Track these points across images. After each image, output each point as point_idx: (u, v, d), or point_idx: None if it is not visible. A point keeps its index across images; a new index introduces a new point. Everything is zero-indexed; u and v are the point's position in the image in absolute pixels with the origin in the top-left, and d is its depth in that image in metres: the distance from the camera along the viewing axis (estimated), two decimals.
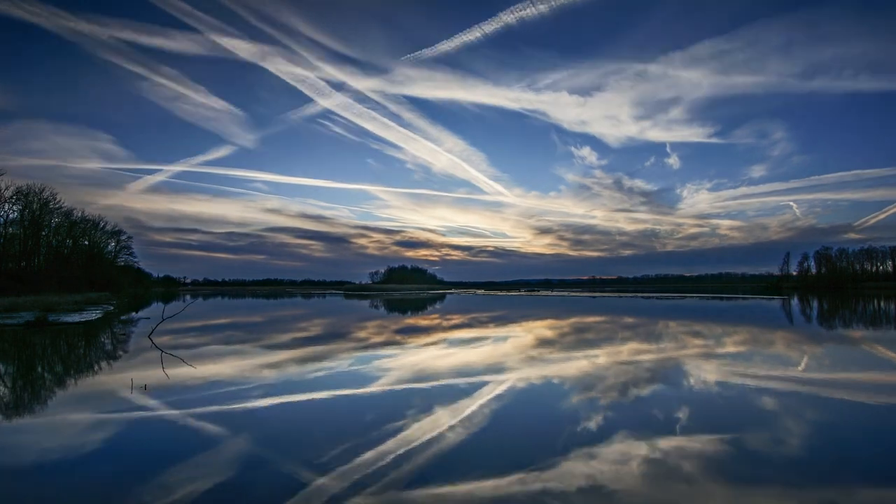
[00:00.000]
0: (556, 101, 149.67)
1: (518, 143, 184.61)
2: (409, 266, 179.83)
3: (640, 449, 4.44)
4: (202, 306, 36.81)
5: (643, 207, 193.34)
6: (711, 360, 9.35)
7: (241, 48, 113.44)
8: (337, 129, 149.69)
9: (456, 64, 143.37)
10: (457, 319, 21.85)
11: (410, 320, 22.04)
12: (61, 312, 23.22)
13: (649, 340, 12.67)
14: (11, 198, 44.11)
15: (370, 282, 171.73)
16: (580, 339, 13.15)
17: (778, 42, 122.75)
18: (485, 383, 7.42)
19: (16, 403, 6.69)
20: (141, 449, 4.66)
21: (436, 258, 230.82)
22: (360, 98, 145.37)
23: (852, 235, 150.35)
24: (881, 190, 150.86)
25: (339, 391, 6.96)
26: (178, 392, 6.93)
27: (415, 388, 7.14)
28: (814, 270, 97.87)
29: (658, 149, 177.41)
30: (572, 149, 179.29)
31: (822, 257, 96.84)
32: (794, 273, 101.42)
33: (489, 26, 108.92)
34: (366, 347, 11.65)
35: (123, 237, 67.04)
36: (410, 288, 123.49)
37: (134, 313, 27.60)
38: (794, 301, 37.98)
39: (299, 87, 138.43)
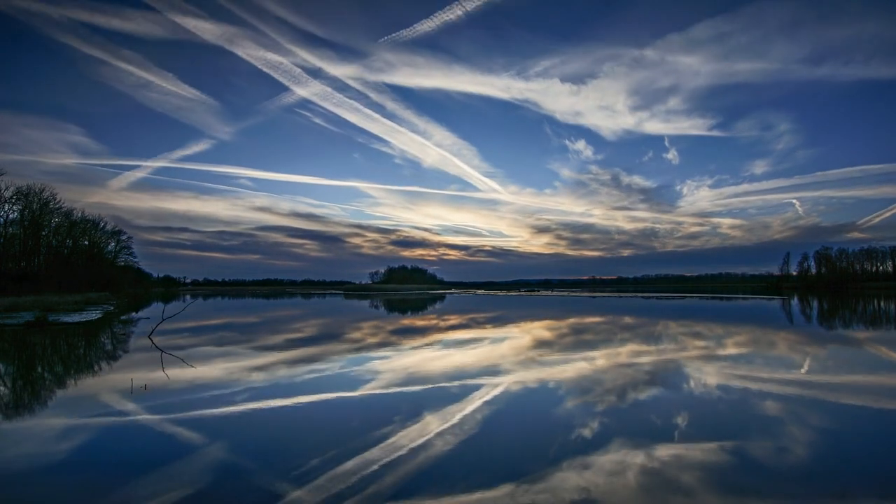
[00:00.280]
0: (547, 89, 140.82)
1: (510, 135, 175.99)
2: (408, 266, 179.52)
3: (638, 458, 4.26)
4: (202, 306, 36.76)
5: (642, 205, 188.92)
6: (711, 363, 9.20)
7: (205, 30, 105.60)
8: (318, 121, 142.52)
9: (437, 47, 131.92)
10: (454, 320, 21.70)
11: (407, 321, 21.88)
12: (61, 312, 23.20)
13: (648, 342, 12.52)
14: (11, 198, 44.12)
15: (370, 282, 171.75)
16: (578, 341, 12.96)
17: (783, 22, 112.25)
18: (478, 387, 7.22)
19: (11, 404, 6.53)
20: (105, 455, 4.51)
21: (433, 258, 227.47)
22: (340, 86, 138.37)
23: (856, 234, 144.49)
24: (887, 187, 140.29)
25: (326, 395, 6.80)
26: (164, 395, 6.75)
27: (405, 392, 6.94)
28: (814, 270, 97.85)
29: (656, 142, 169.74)
30: (566, 142, 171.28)
31: (822, 257, 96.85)
32: (794, 273, 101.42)
33: (470, 3, 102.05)
34: (359, 349, 11.46)
35: (123, 237, 67.07)
36: (410, 288, 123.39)
37: (134, 313, 27.56)
38: (794, 301, 37.91)
39: (273, 73, 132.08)
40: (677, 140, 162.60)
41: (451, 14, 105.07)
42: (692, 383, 7.45)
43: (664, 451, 4.41)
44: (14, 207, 44.74)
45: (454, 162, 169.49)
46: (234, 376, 8.16)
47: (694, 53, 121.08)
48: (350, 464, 4.15)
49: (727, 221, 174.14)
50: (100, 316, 23.54)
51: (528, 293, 75.28)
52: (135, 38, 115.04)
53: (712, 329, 15.75)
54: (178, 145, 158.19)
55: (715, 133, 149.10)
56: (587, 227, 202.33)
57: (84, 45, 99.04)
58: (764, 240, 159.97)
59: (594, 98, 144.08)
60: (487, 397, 6.57)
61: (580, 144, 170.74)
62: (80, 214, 55.21)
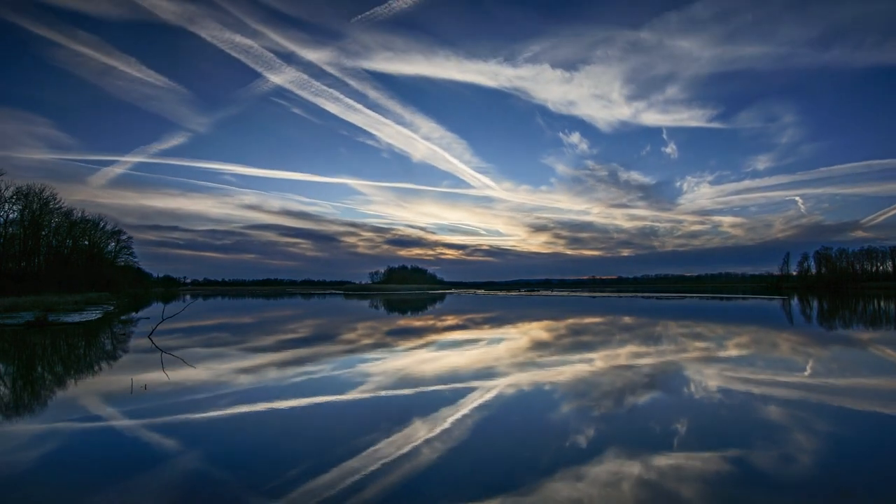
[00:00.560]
0: (537, 76, 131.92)
1: (501, 128, 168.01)
2: (408, 266, 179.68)
3: (635, 468, 4.04)
4: (202, 306, 36.75)
5: (641, 203, 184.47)
6: (712, 365, 9.05)
7: (163, 8, 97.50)
8: (297, 111, 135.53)
9: (416, 26, 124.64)
10: (452, 320, 21.63)
11: (404, 321, 21.79)
12: (61, 312, 23.21)
13: (647, 343, 12.40)
14: (11, 198, 44.14)
15: (370, 282, 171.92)
16: (576, 342, 12.81)
17: None
18: (471, 390, 7.01)
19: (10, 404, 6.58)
20: (76, 458, 4.42)
21: (431, 257, 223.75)
22: (316, 73, 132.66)
23: (859, 233, 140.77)
24: (893, 183, 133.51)
25: (312, 399, 6.60)
26: (152, 398, 6.61)
27: (395, 396, 6.74)
28: (814, 270, 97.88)
29: (654, 135, 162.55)
30: (560, 135, 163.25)
31: (822, 257, 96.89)
32: (794, 273, 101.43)
33: None
34: (353, 351, 11.28)
35: (123, 237, 67.12)
36: (411, 288, 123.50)
37: (134, 313, 27.57)
38: (794, 301, 37.88)
39: (242, 58, 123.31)
40: (676, 132, 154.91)
41: None
42: (692, 387, 7.26)
43: (663, 461, 4.20)
44: (14, 207, 44.80)
45: (444, 156, 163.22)
46: (221, 378, 8.03)
47: (694, 35, 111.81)
48: (328, 476, 3.91)
49: (728, 220, 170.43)
50: (100, 316, 23.54)
51: (528, 293, 75.24)
52: (88, 18, 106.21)
53: (712, 330, 15.65)
54: (153, 138, 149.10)
55: (715, 125, 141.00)
56: (585, 226, 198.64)
57: (33, 23, 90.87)
58: (765, 239, 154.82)
59: (588, 86, 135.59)
60: (480, 402, 6.36)
61: (575, 137, 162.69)
62: (79, 214, 55.25)
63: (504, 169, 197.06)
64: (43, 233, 48.55)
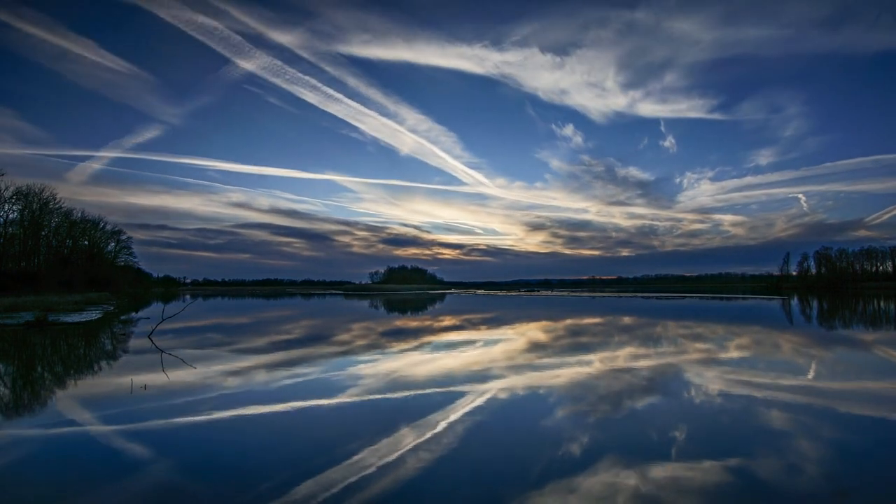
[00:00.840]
0: (526, 61, 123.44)
1: (490, 119, 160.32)
2: (408, 266, 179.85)
3: (630, 479, 3.83)
4: (202, 307, 36.76)
5: (640, 200, 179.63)
6: (712, 367, 8.88)
7: None
8: (272, 100, 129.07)
9: (392, 4, 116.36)
10: (449, 321, 21.58)
11: (401, 322, 21.74)
12: (61, 312, 23.25)
13: (647, 344, 12.33)
14: (11, 198, 44.24)
15: (370, 282, 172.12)
16: (574, 343, 12.69)
17: None
18: (462, 394, 6.78)
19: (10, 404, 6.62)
20: (59, 462, 4.34)
21: (428, 257, 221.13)
22: (289, 58, 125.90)
23: (863, 232, 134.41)
24: None
25: (298, 403, 6.39)
26: (131, 402, 6.48)
27: (384, 400, 6.52)
28: (813, 271, 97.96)
29: (651, 127, 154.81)
30: (553, 127, 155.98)
31: (822, 257, 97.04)
32: (794, 273, 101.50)
33: None
34: (345, 353, 11.08)
35: (123, 237, 67.20)
36: (411, 288, 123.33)
37: (134, 313, 27.61)
38: (794, 301, 37.89)
39: (207, 41, 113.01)
40: (675, 124, 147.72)
41: None
42: (692, 391, 7.04)
43: (661, 472, 3.97)
44: (14, 207, 44.92)
45: (433, 151, 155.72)
46: (206, 381, 7.88)
47: (693, 15, 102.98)
48: (301, 489, 3.68)
49: (729, 218, 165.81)
50: (100, 316, 23.58)
51: (528, 293, 75.26)
52: None
53: (712, 330, 15.59)
54: (125, 131, 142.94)
55: (716, 116, 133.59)
56: (583, 225, 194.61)
57: None
58: (767, 238, 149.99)
59: (580, 72, 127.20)
60: (471, 406, 6.15)
61: (568, 130, 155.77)
62: (79, 214, 55.31)
63: (496, 164, 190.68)
64: (43, 233, 48.62)
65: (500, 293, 77.70)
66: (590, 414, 5.82)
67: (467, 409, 6.06)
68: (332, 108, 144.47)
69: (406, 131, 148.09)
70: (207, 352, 11.55)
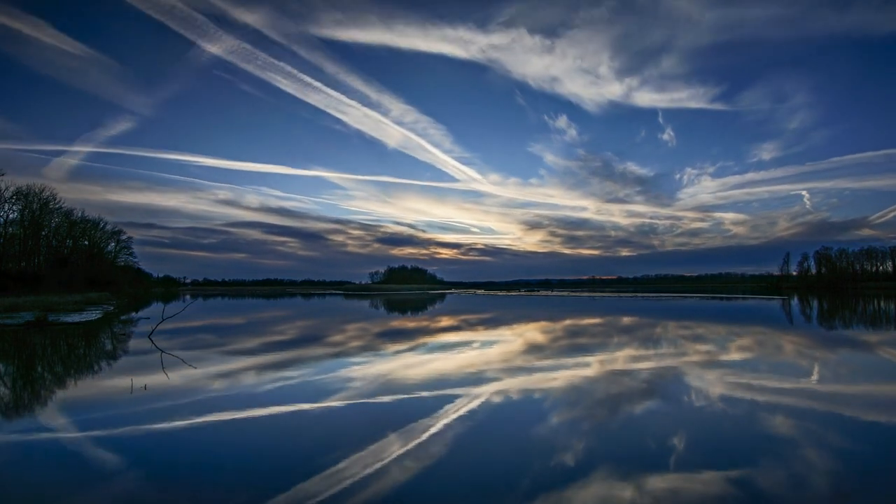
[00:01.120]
0: (514, 44, 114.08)
1: (479, 109, 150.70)
2: (408, 266, 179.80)
3: (626, 491, 3.65)
4: (201, 307, 36.78)
5: (639, 197, 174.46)
6: (713, 369, 8.69)
7: None
8: (245, 88, 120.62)
9: None
10: (446, 321, 21.52)
11: (397, 322, 21.70)
12: (61, 312, 23.26)
13: (646, 345, 12.24)
14: (11, 198, 44.29)
15: (370, 282, 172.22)
16: (572, 345, 12.57)
17: None
18: (454, 398, 6.56)
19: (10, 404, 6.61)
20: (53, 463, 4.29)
21: (425, 256, 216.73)
22: (257, 40, 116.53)
23: (867, 231, 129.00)
24: None
25: (283, 407, 6.17)
26: (99, 408, 6.30)
27: (371, 404, 6.29)
28: (813, 270, 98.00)
29: (649, 118, 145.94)
30: (545, 118, 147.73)
31: (822, 257, 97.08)
32: (794, 273, 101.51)
33: None
34: (338, 354, 10.89)
35: (123, 237, 67.25)
36: (411, 288, 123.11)
37: (134, 313, 27.64)
38: (794, 301, 37.89)
39: (167, 21, 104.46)
40: (673, 115, 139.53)
41: None
42: (693, 395, 6.81)
43: (660, 483, 3.77)
44: (14, 207, 44.98)
45: (422, 145, 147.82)
46: (193, 384, 7.70)
47: None
48: (282, 500, 3.50)
49: (730, 216, 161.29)
50: (100, 316, 23.60)
51: (528, 293, 75.27)
52: None
53: (712, 331, 15.54)
54: (95, 123, 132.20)
55: (717, 106, 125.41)
56: (581, 223, 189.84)
57: None
58: (769, 237, 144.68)
59: (572, 56, 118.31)
60: (463, 411, 5.93)
61: (562, 121, 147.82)
62: (79, 214, 55.35)
63: (489, 159, 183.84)
64: (43, 233, 48.67)
65: (500, 293, 77.69)
66: (586, 420, 5.59)
67: (458, 414, 5.84)
68: (312, 98, 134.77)
69: (391, 123, 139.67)
70: (194, 354, 11.55)
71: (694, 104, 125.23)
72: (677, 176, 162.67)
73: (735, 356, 10.36)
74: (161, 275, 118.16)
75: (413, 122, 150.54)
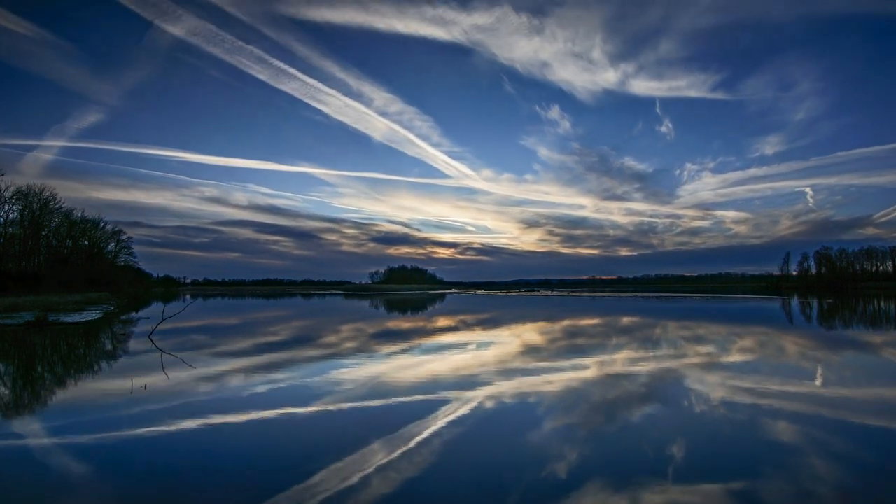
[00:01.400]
0: (499, 24, 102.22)
1: (466, 98, 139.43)
2: (408, 266, 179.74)
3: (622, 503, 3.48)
4: (201, 307, 36.80)
5: (637, 195, 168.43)
6: (713, 372, 8.51)
7: None
8: (214, 74, 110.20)
9: None
10: (444, 322, 21.50)
11: (394, 322, 21.66)
12: (61, 312, 23.27)
13: (646, 347, 12.14)
14: (11, 198, 44.31)
15: (370, 282, 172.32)
16: (570, 346, 12.48)
17: None
18: (446, 402, 6.38)
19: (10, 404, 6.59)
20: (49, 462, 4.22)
21: (422, 256, 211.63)
22: (221, 19, 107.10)
23: (871, 230, 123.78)
24: None
25: (269, 411, 5.98)
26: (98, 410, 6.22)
27: (360, 409, 6.11)
28: (814, 270, 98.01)
29: (646, 108, 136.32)
30: (537, 108, 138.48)
31: (822, 257, 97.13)
32: (794, 273, 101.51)
33: None
34: (331, 356, 10.72)
35: (123, 237, 67.26)
36: (411, 288, 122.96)
37: (134, 313, 27.67)
38: (794, 302, 37.84)
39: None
40: (672, 105, 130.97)
41: None
42: (693, 399, 6.60)
43: (657, 496, 3.55)
44: (14, 207, 45.00)
45: (409, 138, 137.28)
46: (193, 384, 7.64)
47: None
48: None
49: (731, 214, 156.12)
50: (100, 316, 23.63)
51: (528, 293, 75.29)
52: None
53: (712, 331, 15.46)
54: (63, 115, 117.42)
55: (718, 95, 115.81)
56: (579, 222, 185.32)
57: None
58: (772, 237, 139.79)
59: (562, 38, 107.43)
60: (454, 416, 5.75)
61: (554, 112, 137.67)
62: (79, 214, 55.39)
63: (480, 153, 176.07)
64: (43, 233, 48.70)
65: (499, 293, 77.72)
66: (582, 426, 5.38)
67: (450, 419, 5.65)
68: (287, 86, 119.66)
69: (375, 114, 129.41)
70: (204, 352, 11.56)
71: (693, 93, 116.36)
72: (677, 171, 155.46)
73: (736, 358, 10.25)
74: (160, 275, 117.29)
75: (398, 112, 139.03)
